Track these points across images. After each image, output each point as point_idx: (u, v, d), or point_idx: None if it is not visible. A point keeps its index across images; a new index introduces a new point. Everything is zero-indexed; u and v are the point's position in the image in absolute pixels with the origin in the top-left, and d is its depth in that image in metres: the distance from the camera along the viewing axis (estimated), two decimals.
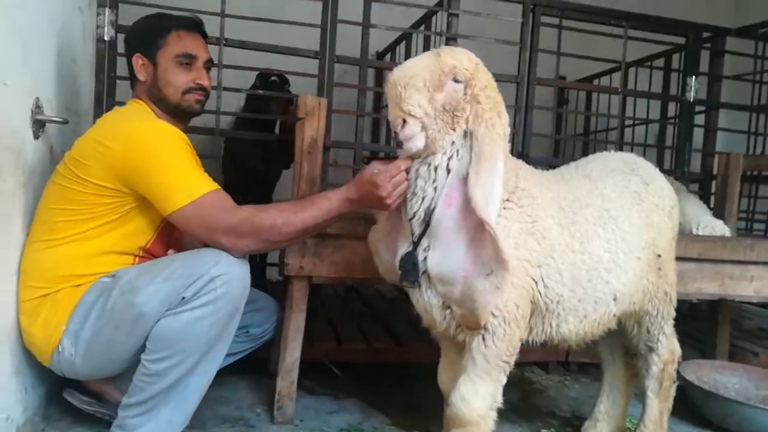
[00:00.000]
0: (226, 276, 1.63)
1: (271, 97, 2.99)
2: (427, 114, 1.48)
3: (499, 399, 1.62)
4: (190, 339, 1.63)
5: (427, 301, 1.65)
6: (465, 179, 1.52)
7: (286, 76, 3.15)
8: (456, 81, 1.51)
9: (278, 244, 1.77)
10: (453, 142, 1.54)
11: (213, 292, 1.62)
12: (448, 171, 1.55)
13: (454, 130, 1.53)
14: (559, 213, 1.69)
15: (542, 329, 1.71)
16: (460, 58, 1.53)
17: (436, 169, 1.55)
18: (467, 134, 1.54)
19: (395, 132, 1.49)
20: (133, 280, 1.65)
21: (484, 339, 1.58)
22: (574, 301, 1.69)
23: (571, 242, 1.67)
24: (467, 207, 1.51)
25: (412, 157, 1.57)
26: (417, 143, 1.51)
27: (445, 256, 1.54)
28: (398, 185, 1.58)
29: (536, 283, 1.62)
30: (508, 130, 1.60)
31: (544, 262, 1.62)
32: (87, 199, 1.68)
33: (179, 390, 1.68)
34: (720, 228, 2.67)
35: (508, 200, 1.59)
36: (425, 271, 1.60)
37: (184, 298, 1.61)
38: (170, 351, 1.63)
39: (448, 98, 1.50)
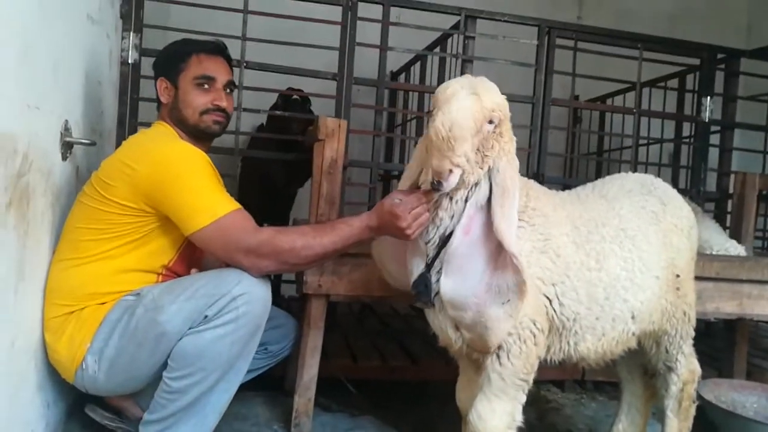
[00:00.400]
0: (248, 295, 1.66)
1: (292, 117, 3.05)
2: (468, 161, 1.49)
3: (519, 418, 1.62)
4: (212, 357, 1.65)
5: (441, 320, 1.67)
6: (482, 208, 1.55)
7: (308, 96, 3.22)
8: (490, 122, 1.52)
9: (296, 266, 1.80)
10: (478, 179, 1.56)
11: (235, 311, 1.64)
12: (466, 200, 1.57)
13: (482, 168, 1.54)
14: (573, 231, 1.70)
15: (560, 347, 1.71)
16: (498, 101, 1.53)
17: (456, 201, 1.57)
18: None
19: (439, 180, 1.47)
20: (157, 299, 1.68)
21: (499, 357, 1.59)
22: (591, 319, 1.70)
23: (587, 260, 1.68)
24: (484, 236, 1.53)
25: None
26: (452, 185, 1.49)
27: (458, 282, 1.56)
28: (418, 216, 1.59)
29: (550, 301, 1.63)
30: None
31: (559, 280, 1.63)
32: (111, 218, 1.72)
33: (199, 408, 1.70)
34: (734, 249, 2.67)
35: (519, 219, 1.61)
36: (438, 292, 1.61)
37: (206, 316, 1.64)
38: (191, 369, 1.65)
39: (482, 139, 1.51)
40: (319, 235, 1.70)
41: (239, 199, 1.77)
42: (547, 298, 1.63)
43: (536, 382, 2.88)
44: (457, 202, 1.57)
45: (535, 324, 1.59)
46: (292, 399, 2.17)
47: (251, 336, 1.70)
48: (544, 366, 2.59)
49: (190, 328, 1.65)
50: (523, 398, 1.63)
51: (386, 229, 1.65)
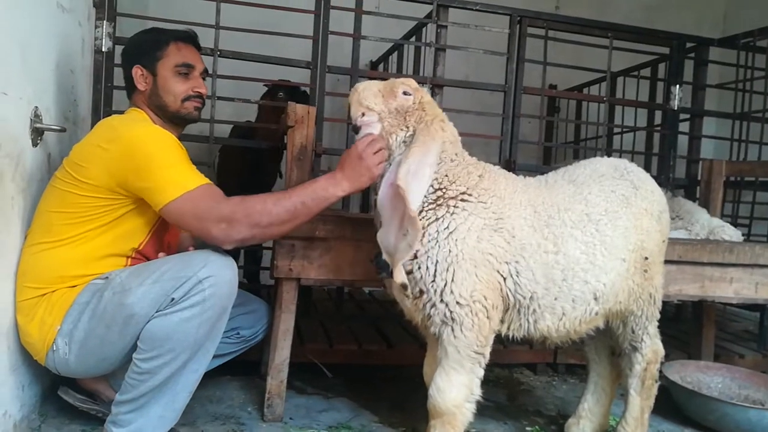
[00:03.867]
0: (214, 278, 1.69)
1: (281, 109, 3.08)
2: (382, 110, 1.76)
3: (476, 391, 1.68)
4: (180, 339, 1.68)
5: (398, 292, 1.78)
6: None
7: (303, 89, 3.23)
8: (406, 93, 1.79)
9: (269, 227, 1.75)
10: (404, 140, 1.75)
11: (201, 293, 1.68)
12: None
13: (407, 128, 1.76)
14: (533, 215, 1.76)
15: (519, 324, 1.78)
16: (408, 81, 1.83)
17: (390, 165, 1.76)
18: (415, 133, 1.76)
19: (355, 122, 1.76)
20: (125, 282, 1.71)
21: (453, 330, 1.65)
22: (549, 298, 1.76)
23: (544, 243, 1.74)
24: None
25: None
26: (373, 130, 1.75)
27: (386, 231, 1.71)
28: (376, 149, 1.74)
29: (504, 279, 1.69)
30: (450, 136, 1.81)
31: (513, 259, 1.70)
32: (84, 201, 1.75)
33: (170, 387, 1.73)
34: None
35: (466, 193, 1.73)
36: None
37: (173, 299, 1.67)
38: (160, 350, 1.68)
39: (400, 104, 1.77)
40: (287, 194, 1.77)
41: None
42: (501, 275, 1.69)
43: (508, 365, 2.99)
44: (391, 163, 1.75)
45: (485, 298, 1.65)
46: (266, 382, 2.21)
47: (218, 317, 1.74)
48: (513, 347, 2.66)
49: (157, 311, 1.68)
50: (481, 372, 1.69)
51: (350, 171, 1.75)
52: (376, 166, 1.74)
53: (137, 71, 1.93)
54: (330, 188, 1.75)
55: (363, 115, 1.75)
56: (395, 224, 1.67)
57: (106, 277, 1.76)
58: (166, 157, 1.73)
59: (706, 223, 2.80)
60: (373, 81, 1.85)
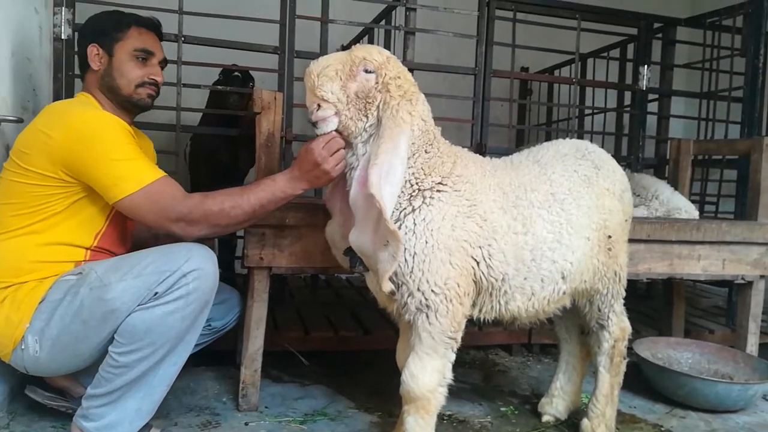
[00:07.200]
0: (198, 272, 1.67)
1: (230, 93, 3.02)
2: (339, 100, 1.61)
3: (449, 375, 1.68)
4: (161, 332, 1.66)
5: (375, 282, 1.74)
6: None
7: (250, 73, 3.19)
8: (367, 71, 1.62)
9: (228, 227, 1.80)
10: (365, 129, 1.64)
11: (185, 287, 1.66)
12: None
13: (366, 117, 1.64)
14: (502, 197, 1.76)
15: (491, 307, 1.78)
16: (370, 51, 1.65)
17: (357, 154, 1.66)
18: (380, 121, 1.64)
19: (311, 115, 1.62)
20: (102, 277, 1.67)
21: (428, 317, 1.64)
22: (519, 279, 1.76)
23: (514, 224, 1.74)
24: None
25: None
26: (330, 126, 1.63)
27: (360, 231, 1.63)
28: (333, 150, 1.67)
29: (478, 263, 1.69)
30: (419, 122, 1.66)
31: (485, 243, 1.69)
32: (31, 190, 1.70)
33: (147, 381, 1.71)
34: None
35: (441, 183, 1.67)
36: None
37: (156, 293, 1.64)
38: (140, 344, 1.65)
39: (360, 87, 1.62)
40: (246, 194, 1.74)
41: (190, 178, 1.77)
42: (475, 260, 1.68)
43: (484, 346, 3.01)
44: (357, 155, 1.66)
45: (458, 285, 1.64)
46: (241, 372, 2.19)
47: (201, 311, 1.72)
48: (488, 329, 2.67)
49: (139, 305, 1.64)
50: (452, 356, 1.69)
51: (308, 173, 1.72)
52: (333, 168, 1.69)
53: (93, 50, 1.87)
54: (288, 189, 1.76)
55: (318, 107, 1.61)
56: (370, 229, 1.59)
57: (80, 273, 1.71)
58: (117, 147, 1.68)
59: (666, 200, 2.82)
60: (331, 58, 1.64)
